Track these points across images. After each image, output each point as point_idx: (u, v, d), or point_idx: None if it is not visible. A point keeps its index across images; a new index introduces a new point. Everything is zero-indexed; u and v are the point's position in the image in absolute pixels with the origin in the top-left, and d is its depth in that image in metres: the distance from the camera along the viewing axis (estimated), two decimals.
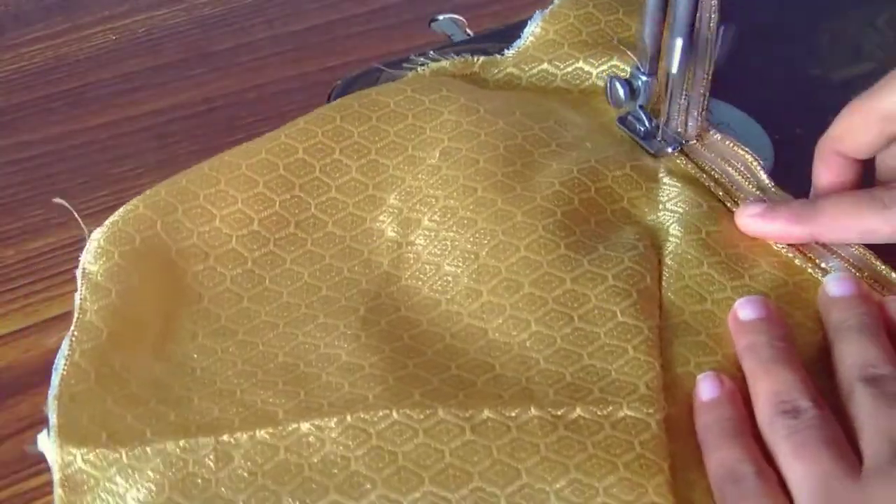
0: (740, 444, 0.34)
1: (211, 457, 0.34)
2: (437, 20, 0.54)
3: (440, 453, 0.34)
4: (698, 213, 0.42)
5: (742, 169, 0.44)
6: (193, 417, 0.36)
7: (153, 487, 0.34)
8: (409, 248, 0.42)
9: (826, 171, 0.41)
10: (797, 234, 0.40)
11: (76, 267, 0.40)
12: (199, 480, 0.34)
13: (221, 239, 0.42)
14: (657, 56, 0.44)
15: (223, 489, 0.34)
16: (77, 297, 0.39)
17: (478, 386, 0.37)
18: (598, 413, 0.35)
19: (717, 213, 0.42)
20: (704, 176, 0.44)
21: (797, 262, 0.41)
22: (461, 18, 0.54)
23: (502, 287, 0.39)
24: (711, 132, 0.45)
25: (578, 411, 0.35)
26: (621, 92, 0.45)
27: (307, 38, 0.58)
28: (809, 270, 0.40)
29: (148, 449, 0.34)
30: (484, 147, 0.44)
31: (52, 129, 0.48)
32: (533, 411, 0.35)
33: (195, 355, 0.39)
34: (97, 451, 0.34)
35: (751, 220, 0.41)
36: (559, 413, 0.35)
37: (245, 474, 0.34)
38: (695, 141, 0.45)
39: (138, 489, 0.34)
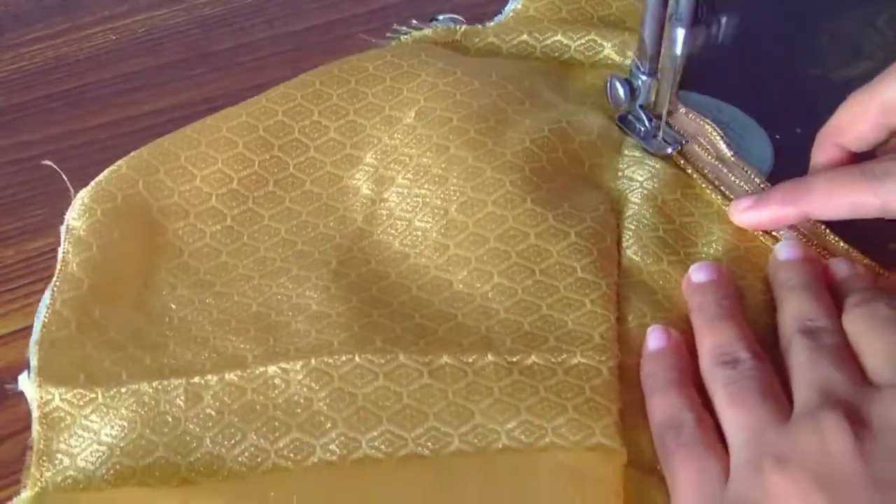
0: (681, 392, 0.35)
1: (182, 397, 0.36)
2: (437, 20, 0.54)
3: (398, 395, 0.36)
4: (656, 182, 0.43)
5: (704, 142, 0.45)
6: (167, 362, 0.37)
7: (126, 424, 0.35)
8: (383, 204, 0.43)
9: (824, 162, 0.41)
10: (791, 215, 0.40)
11: None
12: (170, 418, 0.36)
13: (201, 197, 0.43)
14: (657, 56, 0.44)
15: (192, 426, 0.35)
16: (60, 250, 0.40)
17: (439, 334, 0.38)
18: (553, 360, 0.37)
19: (674, 183, 0.44)
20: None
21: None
22: (461, 18, 0.54)
23: (469, 241, 0.41)
24: (680, 108, 0.46)
25: (533, 358, 0.37)
26: (621, 92, 0.45)
27: (307, 38, 0.58)
28: (761, 238, 0.42)
29: (122, 389, 0.36)
30: (458, 106, 0.45)
31: (52, 129, 0.48)
32: (490, 357, 0.37)
33: (173, 306, 0.40)
34: (75, 391, 0.36)
35: (743, 214, 0.41)
36: (515, 359, 0.37)
37: (213, 413, 0.36)
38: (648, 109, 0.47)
39: (112, 426, 0.35)
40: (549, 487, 0.34)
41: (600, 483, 0.34)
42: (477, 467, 0.34)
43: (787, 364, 0.35)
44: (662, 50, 0.42)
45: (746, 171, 0.43)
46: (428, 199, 0.43)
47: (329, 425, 0.35)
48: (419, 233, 0.42)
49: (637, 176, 0.44)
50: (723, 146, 0.44)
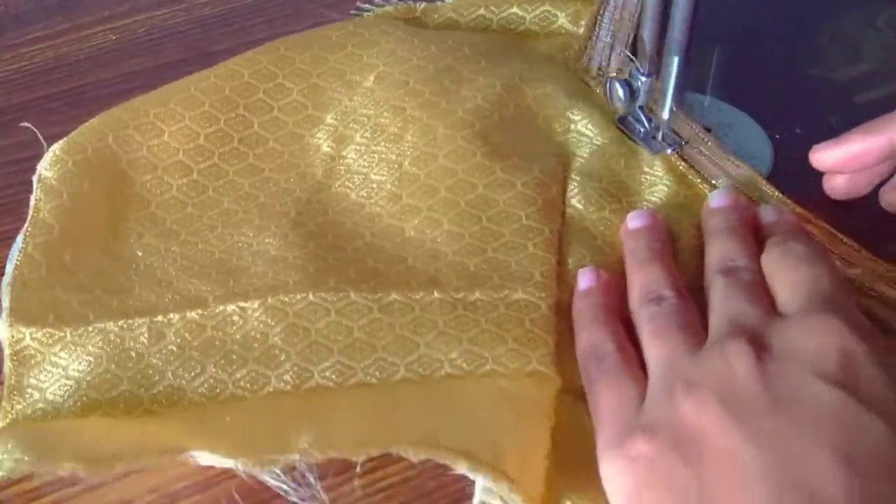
0: (606, 325, 0.37)
1: (145, 335, 0.38)
2: None
3: (349, 330, 0.38)
4: (605, 137, 0.45)
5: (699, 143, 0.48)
6: (133, 303, 0.39)
7: (92, 360, 0.37)
8: (341, 161, 0.45)
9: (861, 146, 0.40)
10: (876, 144, 0.40)
11: None
12: (134, 354, 0.38)
13: (169, 152, 0.45)
14: (657, 56, 0.44)
15: (154, 361, 0.37)
16: (32, 198, 0.42)
17: (390, 276, 0.40)
18: (495, 296, 0.39)
19: (622, 139, 0.46)
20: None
21: (689, 177, 0.44)
22: None
23: (420, 192, 0.43)
24: (629, 66, 0.48)
25: (477, 294, 0.39)
26: (621, 93, 0.45)
27: None
28: (700, 185, 0.43)
29: (90, 328, 0.38)
30: (414, 70, 0.48)
31: (52, 129, 0.48)
32: (436, 294, 0.39)
33: (140, 253, 0.42)
34: (44, 330, 0.38)
35: (823, 153, 0.41)
36: (459, 296, 0.39)
37: (175, 348, 0.38)
38: (615, 74, 0.48)
39: (79, 362, 0.37)
40: (486, 406, 0.35)
41: (534, 405, 0.35)
42: (420, 390, 0.36)
43: (708, 302, 0.37)
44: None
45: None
46: (384, 155, 0.45)
47: (283, 357, 0.37)
48: (374, 185, 0.44)
49: (587, 131, 0.46)
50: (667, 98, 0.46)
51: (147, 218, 0.43)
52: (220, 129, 0.46)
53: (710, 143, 0.44)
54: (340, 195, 0.44)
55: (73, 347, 0.38)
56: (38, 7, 0.58)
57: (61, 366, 0.37)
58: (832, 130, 0.47)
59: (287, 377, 0.37)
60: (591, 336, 0.37)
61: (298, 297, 0.38)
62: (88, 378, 0.37)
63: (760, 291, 0.36)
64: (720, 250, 0.38)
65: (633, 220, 0.41)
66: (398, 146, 0.45)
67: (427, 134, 0.45)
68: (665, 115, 0.43)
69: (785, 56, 0.52)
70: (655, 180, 0.44)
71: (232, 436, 0.34)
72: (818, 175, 0.44)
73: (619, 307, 0.38)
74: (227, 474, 0.35)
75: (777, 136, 0.47)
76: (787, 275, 0.36)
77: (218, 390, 0.37)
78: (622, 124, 0.46)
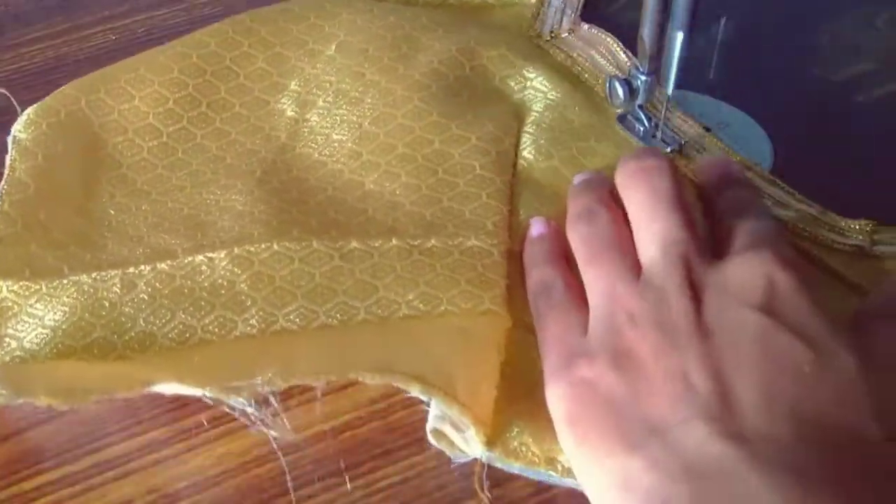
0: (555, 265, 0.38)
1: (117, 285, 0.39)
2: None
3: (311, 276, 0.39)
4: (559, 93, 0.48)
5: (604, 52, 0.50)
6: (105, 257, 0.41)
7: (67, 310, 0.39)
8: (305, 123, 0.47)
9: None
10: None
11: None
12: (107, 303, 0.39)
13: (139, 115, 0.47)
14: (656, 55, 0.44)
15: (126, 309, 0.39)
16: (8, 158, 0.44)
17: (351, 226, 0.42)
18: (450, 243, 0.41)
19: (577, 93, 0.48)
20: (572, 63, 0.50)
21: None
22: None
23: (380, 149, 0.45)
24: (583, 25, 0.52)
25: (433, 241, 0.41)
26: (620, 91, 0.45)
27: None
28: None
29: (64, 281, 0.39)
30: (374, 38, 0.50)
31: None
32: (394, 241, 0.40)
33: (112, 211, 0.43)
34: (20, 283, 0.39)
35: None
36: (416, 243, 0.41)
37: (146, 297, 0.39)
38: (567, 34, 0.52)
39: (54, 312, 0.39)
40: (440, 341, 0.37)
41: (485, 340, 0.37)
42: (379, 328, 0.38)
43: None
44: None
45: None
46: (345, 117, 0.47)
47: (249, 303, 0.39)
48: (336, 144, 0.46)
49: (542, 87, 0.48)
50: (623, 56, 0.48)
51: (118, 178, 0.45)
52: (189, 94, 0.48)
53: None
54: (304, 155, 0.46)
55: (48, 299, 0.39)
56: (38, 7, 0.58)
57: (38, 316, 0.39)
58: (831, 130, 0.47)
59: (253, 321, 0.38)
60: (539, 273, 0.38)
61: (263, 246, 0.40)
62: (64, 327, 0.38)
63: (692, 217, 0.36)
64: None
65: (577, 178, 0.42)
66: (358, 108, 0.47)
67: (386, 96, 0.47)
68: (669, 90, 0.43)
69: (785, 56, 0.51)
70: (606, 131, 0.46)
71: (200, 370, 0.36)
72: (818, 175, 0.44)
73: (568, 252, 0.39)
74: (227, 474, 0.36)
75: (777, 136, 0.47)
76: (736, 220, 0.37)
77: (187, 335, 0.38)
78: (621, 123, 0.46)
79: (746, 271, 0.33)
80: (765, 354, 0.31)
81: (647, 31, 0.43)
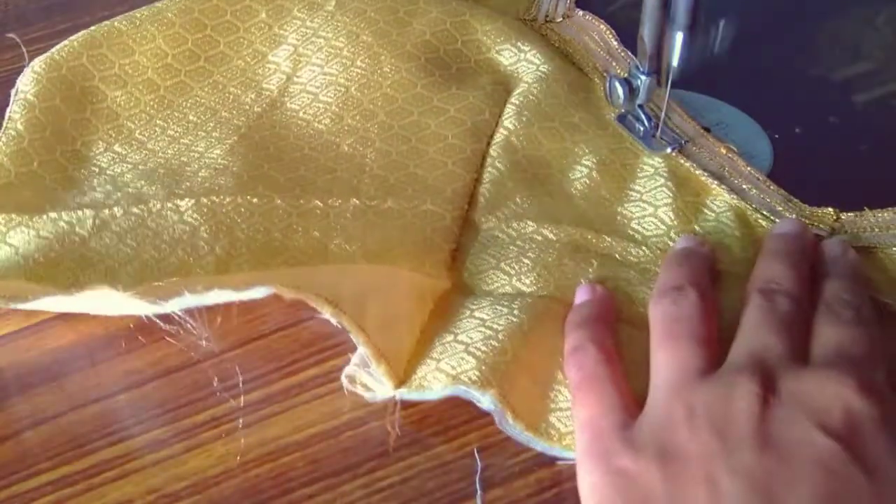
0: (591, 331, 0.35)
1: (90, 223, 0.41)
2: None
3: (268, 230, 0.41)
4: (552, 66, 0.47)
5: (597, 39, 0.49)
6: (86, 201, 0.43)
7: (42, 243, 0.41)
8: (296, 79, 0.48)
9: None
10: None
11: None
12: (78, 239, 0.41)
13: (139, 70, 0.48)
14: (656, 56, 0.43)
15: (94, 245, 0.41)
16: (8, 111, 0.45)
17: (317, 183, 0.43)
18: (405, 205, 0.41)
19: (569, 71, 0.48)
20: (565, 46, 0.50)
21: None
22: None
23: (361, 115, 0.46)
24: (578, 12, 0.51)
25: (389, 203, 0.41)
26: (620, 91, 0.45)
27: None
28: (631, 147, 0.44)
29: (44, 216, 0.42)
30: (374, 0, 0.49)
31: None
32: (353, 201, 0.41)
33: (104, 161, 0.45)
34: (3, 215, 0.41)
35: None
36: (373, 203, 0.41)
37: (115, 237, 0.41)
38: (561, 19, 0.51)
39: (30, 244, 0.41)
40: (367, 281, 0.38)
41: (414, 292, 0.38)
42: (328, 272, 0.39)
43: (740, 318, 0.34)
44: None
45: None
46: (334, 78, 0.47)
47: (207, 250, 0.40)
48: (321, 105, 0.46)
49: (535, 59, 0.48)
50: (613, 42, 0.48)
51: (116, 129, 0.46)
52: (188, 49, 0.48)
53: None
54: (290, 112, 0.47)
55: (25, 230, 0.41)
56: (39, 7, 0.58)
57: (14, 246, 0.41)
58: (832, 130, 0.47)
59: (209, 266, 0.40)
60: (573, 339, 0.35)
61: (228, 199, 0.41)
62: (35, 256, 0.40)
63: (793, 325, 0.33)
64: (769, 269, 0.36)
65: (680, 244, 0.39)
66: (348, 71, 0.47)
67: (376, 63, 0.47)
68: (669, 90, 0.42)
69: (785, 56, 0.51)
70: (591, 109, 0.46)
71: (138, 283, 0.38)
72: (818, 175, 0.43)
73: (612, 317, 0.37)
74: (227, 474, 0.35)
75: (777, 136, 0.47)
76: (829, 325, 0.33)
77: (145, 275, 0.39)
78: (621, 123, 0.46)
79: (827, 391, 0.30)
80: (822, 475, 0.29)
81: (647, 31, 0.42)
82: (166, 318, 0.37)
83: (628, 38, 0.46)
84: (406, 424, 0.36)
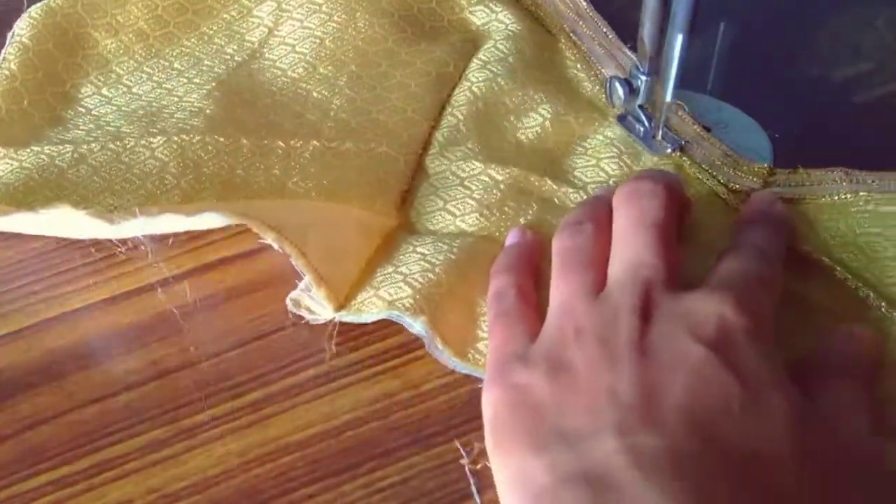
0: (513, 275, 0.37)
1: (68, 157, 0.44)
2: None
3: (232, 168, 0.43)
4: (521, 27, 0.48)
5: (568, 1, 0.49)
6: (68, 137, 0.46)
7: (22, 172, 0.44)
8: (277, 32, 0.50)
9: None
10: None
11: (76, 267, 0.42)
12: (56, 170, 0.44)
13: (131, 19, 0.50)
14: (657, 56, 0.43)
15: (70, 176, 0.43)
16: (3, 52, 0.48)
17: (284, 126, 0.45)
18: (363, 147, 0.43)
19: (537, 32, 0.49)
20: (536, 8, 0.50)
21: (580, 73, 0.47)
22: None
23: (333, 66, 0.47)
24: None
25: (348, 145, 0.43)
26: (621, 91, 0.45)
27: None
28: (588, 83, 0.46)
29: (27, 150, 0.44)
30: None
31: None
32: (313, 143, 0.43)
33: (91, 104, 0.48)
34: None
35: None
36: (333, 145, 0.43)
37: (90, 170, 0.43)
38: None
39: (12, 174, 0.44)
40: (314, 214, 0.40)
41: (360, 226, 0.40)
42: (279, 205, 0.41)
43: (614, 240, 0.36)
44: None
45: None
46: (311, 32, 0.49)
47: (174, 183, 0.42)
48: (297, 56, 0.48)
49: (506, 20, 0.49)
50: (582, 3, 0.48)
51: (104, 74, 0.49)
52: (178, 2, 0.51)
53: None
54: (267, 62, 0.49)
55: (9, 161, 0.44)
56: None
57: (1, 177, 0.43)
58: (831, 130, 0.47)
59: (174, 199, 0.42)
60: (496, 283, 0.37)
61: (197, 138, 0.43)
62: (15, 184, 0.43)
63: (669, 247, 0.35)
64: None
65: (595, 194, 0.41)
66: (325, 25, 0.49)
67: (351, 18, 0.49)
68: (669, 90, 0.43)
69: (784, 56, 0.51)
70: (554, 69, 0.47)
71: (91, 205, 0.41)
72: None
73: (537, 262, 0.38)
74: (227, 475, 0.35)
75: (777, 136, 0.46)
76: (727, 260, 0.35)
77: (114, 207, 0.42)
78: (621, 123, 0.46)
79: (702, 306, 0.32)
80: (698, 383, 0.30)
81: (647, 32, 0.42)
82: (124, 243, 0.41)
83: (628, 38, 0.46)
84: (406, 424, 0.36)
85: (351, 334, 0.38)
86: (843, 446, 0.30)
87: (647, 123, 0.45)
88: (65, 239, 0.43)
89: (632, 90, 0.45)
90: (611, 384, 0.31)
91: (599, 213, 0.37)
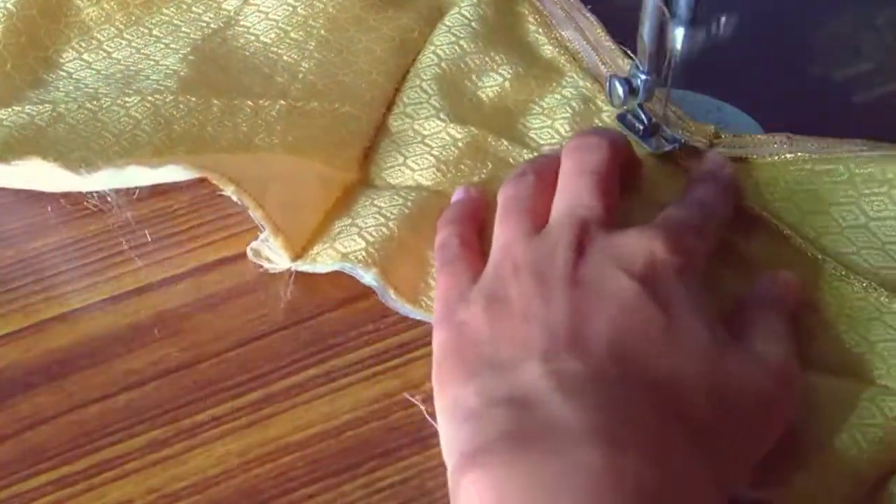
0: (457, 226, 0.39)
1: (47, 115, 0.45)
2: None
3: (202, 126, 0.44)
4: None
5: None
6: (48, 97, 0.47)
7: (3, 132, 0.45)
8: (252, 1, 0.51)
9: None
10: None
11: (76, 267, 0.42)
12: (34, 127, 0.45)
13: None
14: (656, 55, 0.43)
15: (48, 133, 0.45)
16: None
17: (253, 88, 0.46)
18: (328, 107, 0.45)
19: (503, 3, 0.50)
20: None
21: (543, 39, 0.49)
22: None
23: (303, 31, 0.49)
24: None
25: (314, 104, 0.45)
26: (621, 91, 0.45)
27: None
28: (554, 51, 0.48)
29: (9, 109, 0.46)
30: None
31: None
32: (281, 102, 0.45)
33: (71, 68, 0.49)
34: None
35: None
36: (299, 104, 0.45)
37: (67, 128, 0.45)
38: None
39: None
40: (273, 167, 0.42)
41: (321, 179, 0.42)
42: (241, 159, 0.43)
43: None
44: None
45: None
46: (284, 0, 0.50)
47: (146, 140, 0.43)
48: (271, 23, 0.50)
49: None
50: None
51: (86, 40, 0.50)
52: None
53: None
54: (241, 28, 0.50)
55: None
56: None
57: None
58: (831, 130, 0.47)
59: (146, 156, 0.43)
60: (441, 235, 0.39)
61: (169, 98, 0.45)
62: None
63: (611, 191, 0.37)
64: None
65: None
66: None
67: None
68: (669, 90, 0.43)
69: (784, 55, 0.51)
70: (515, 35, 0.49)
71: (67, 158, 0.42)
72: None
73: (483, 218, 0.40)
74: (227, 475, 0.34)
75: None
76: (669, 208, 0.37)
77: (89, 163, 0.42)
78: (621, 122, 0.46)
79: (634, 242, 0.34)
80: (622, 313, 0.31)
81: (646, 30, 0.42)
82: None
83: (628, 38, 0.46)
84: (406, 424, 0.36)
85: (351, 334, 0.38)
86: (758, 377, 0.32)
87: (646, 122, 0.45)
88: (64, 239, 0.43)
89: (631, 89, 0.45)
90: (542, 315, 0.32)
91: (544, 166, 0.39)
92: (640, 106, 0.45)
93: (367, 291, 0.39)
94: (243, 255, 0.41)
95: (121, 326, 0.39)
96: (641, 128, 0.45)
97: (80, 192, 0.42)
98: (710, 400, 0.30)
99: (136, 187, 0.42)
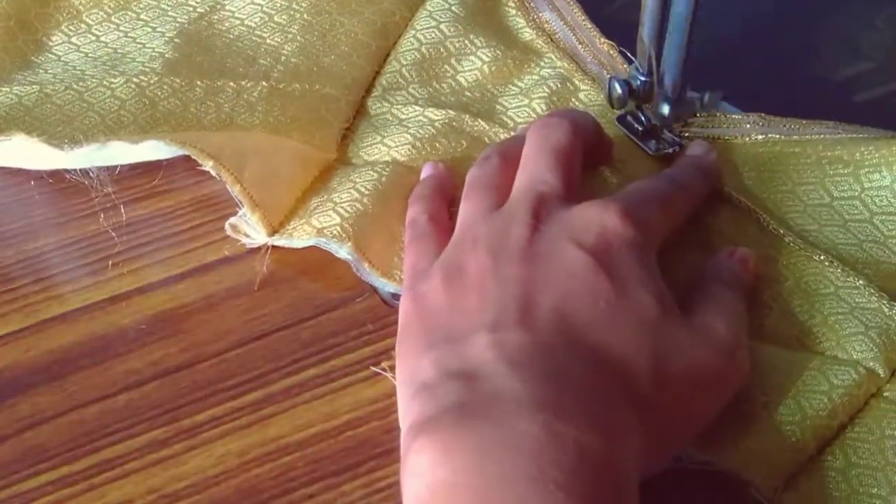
0: (427, 203, 0.40)
1: (34, 96, 0.46)
2: None
3: (185, 106, 0.45)
4: None
5: None
6: (35, 79, 0.48)
7: None
8: None
9: None
10: None
11: (76, 267, 0.42)
12: (22, 108, 0.46)
13: None
14: (656, 56, 0.43)
15: (37, 113, 0.46)
16: None
17: (236, 70, 0.47)
18: (308, 87, 0.46)
19: None
20: None
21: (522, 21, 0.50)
22: None
23: (287, 16, 0.50)
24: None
25: (295, 85, 0.46)
26: (620, 91, 0.45)
27: None
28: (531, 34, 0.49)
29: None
30: None
31: None
32: (263, 83, 0.46)
33: (60, 51, 0.50)
34: None
35: None
36: (280, 86, 0.46)
37: (53, 108, 0.46)
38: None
39: None
40: (252, 143, 0.43)
41: (299, 158, 0.43)
42: (220, 136, 0.43)
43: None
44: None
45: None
46: None
47: (131, 119, 0.45)
48: (255, 7, 0.51)
49: None
50: None
51: (75, 24, 0.51)
52: None
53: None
54: (227, 13, 0.51)
55: None
56: None
57: None
58: None
59: (130, 135, 0.44)
60: (411, 211, 0.39)
61: (154, 79, 0.46)
62: None
63: (572, 165, 0.37)
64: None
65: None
66: None
67: None
68: (668, 90, 0.43)
69: (784, 55, 0.51)
70: (503, 7, 0.50)
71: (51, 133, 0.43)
72: None
73: (453, 196, 0.40)
74: (227, 475, 0.34)
75: None
76: (636, 182, 0.38)
77: (73, 140, 0.43)
78: (621, 123, 0.46)
79: (588, 216, 0.34)
80: (571, 284, 0.32)
81: (646, 32, 0.42)
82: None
83: (628, 38, 0.46)
84: None
85: (351, 334, 0.38)
86: (701, 349, 0.32)
87: (646, 123, 0.45)
88: (64, 239, 0.43)
89: (631, 90, 0.45)
90: (494, 288, 0.32)
91: (509, 147, 0.39)
92: (640, 108, 0.45)
93: (367, 291, 0.39)
94: (243, 255, 0.41)
95: (121, 326, 0.39)
96: (641, 129, 0.45)
97: (75, 190, 0.43)
98: (653, 370, 0.31)
99: (136, 187, 0.43)
